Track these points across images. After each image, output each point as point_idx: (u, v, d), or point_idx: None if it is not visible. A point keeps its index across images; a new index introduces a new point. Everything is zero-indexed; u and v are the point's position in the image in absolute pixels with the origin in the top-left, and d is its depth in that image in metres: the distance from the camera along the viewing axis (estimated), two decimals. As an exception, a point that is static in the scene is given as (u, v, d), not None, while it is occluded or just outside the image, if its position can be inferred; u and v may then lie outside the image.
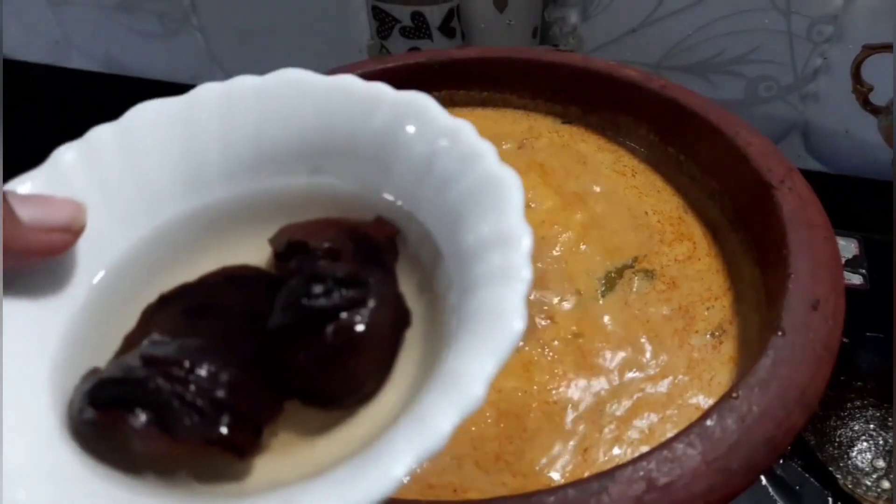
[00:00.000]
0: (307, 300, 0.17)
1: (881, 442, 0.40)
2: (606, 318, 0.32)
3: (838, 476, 0.38)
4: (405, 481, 0.13)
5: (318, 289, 0.17)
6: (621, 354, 0.31)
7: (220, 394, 0.16)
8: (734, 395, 0.24)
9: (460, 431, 0.27)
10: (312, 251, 0.18)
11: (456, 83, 0.46)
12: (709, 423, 0.23)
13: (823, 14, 0.51)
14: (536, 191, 0.39)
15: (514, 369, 0.30)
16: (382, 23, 0.59)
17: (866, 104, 0.52)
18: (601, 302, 0.33)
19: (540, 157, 0.41)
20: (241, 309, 0.18)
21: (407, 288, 0.18)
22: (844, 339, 0.44)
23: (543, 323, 0.32)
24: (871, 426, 0.40)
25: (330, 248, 0.18)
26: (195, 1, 0.67)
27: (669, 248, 0.35)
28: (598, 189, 0.39)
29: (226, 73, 0.71)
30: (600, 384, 0.29)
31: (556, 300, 0.33)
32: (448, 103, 0.47)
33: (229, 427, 0.15)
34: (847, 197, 0.55)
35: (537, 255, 0.34)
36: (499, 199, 0.17)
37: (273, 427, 0.17)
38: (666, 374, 0.30)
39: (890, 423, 0.40)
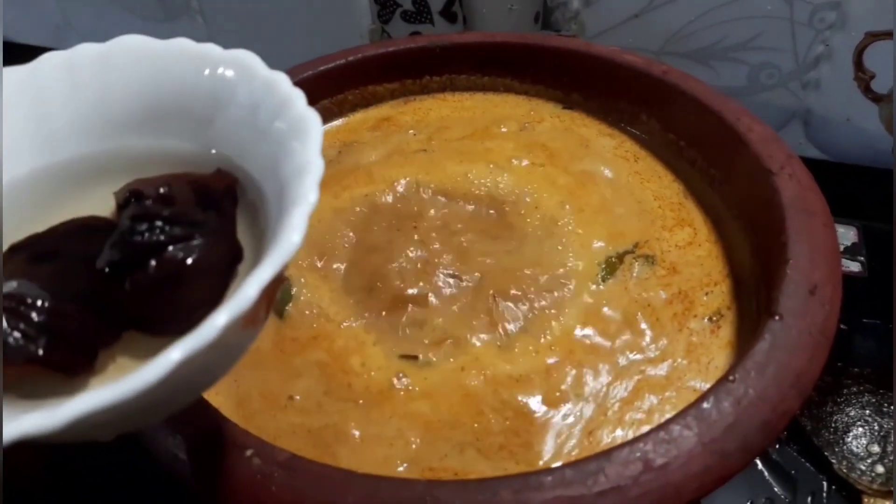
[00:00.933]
0: (131, 237, 0.19)
1: (876, 427, 0.40)
2: (606, 303, 0.32)
3: (833, 461, 0.39)
4: (176, 362, 0.15)
5: (143, 227, 0.19)
6: (622, 338, 0.31)
7: (44, 319, 0.18)
8: (731, 378, 0.24)
9: (464, 425, 0.28)
10: (146, 198, 0.20)
11: (457, 68, 0.46)
12: (705, 405, 0.23)
13: (826, 1, 0.51)
14: (544, 170, 0.39)
15: (527, 362, 0.30)
16: (384, 7, 0.59)
17: (868, 92, 0.51)
18: (602, 287, 0.33)
19: (542, 139, 0.41)
20: (82, 253, 0.20)
21: (243, 228, 0.21)
22: (842, 326, 0.44)
23: (548, 312, 0.32)
24: (867, 412, 0.41)
25: (163, 194, 0.20)
26: (196, -16, 0.66)
27: (671, 234, 0.35)
28: (600, 173, 0.39)
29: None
30: (603, 368, 0.30)
31: (557, 285, 0.33)
32: (449, 87, 0.47)
33: (50, 348, 0.18)
34: (847, 185, 0.55)
35: (541, 237, 0.35)
36: (304, 138, 0.19)
37: (111, 353, 0.19)
38: (665, 358, 0.30)
39: (885, 409, 0.41)
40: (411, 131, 0.43)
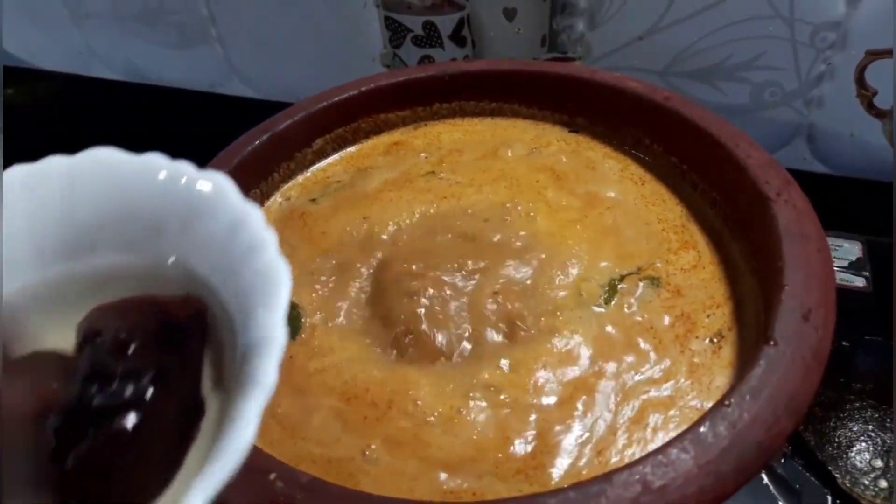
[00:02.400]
0: (78, 402, 0.17)
1: (879, 442, 0.41)
2: (611, 325, 0.33)
3: (837, 475, 0.39)
4: None
5: (92, 389, 0.17)
6: (627, 360, 0.32)
7: None
8: (726, 402, 0.25)
9: (484, 452, 0.29)
10: (101, 343, 0.18)
11: (466, 94, 0.47)
12: (702, 429, 0.25)
13: (826, 21, 0.52)
14: (552, 192, 0.40)
15: (535, 385, 0.31)
16: (395, 32, 0.61)
17: (870, 108, 0.52)
18: (605, 309, 0.34)
19: (550, 161, 0.42)
20: (31, 406, 0.17)
21: (209, 374, 0.19)
22: (844, 343, 0.45)
23: (556, 335, 0.33)
24: (870, 427, 0.41)
25: (119, 340, 0.18)
26: (213, 13, 0.69)
27: (676, 257, 0.36)
28: (607, 195, 0.40)
29: (243, 82, 0.73)
30: (610, 389, 0.31)
31: (563, 308, 0.34)
32: (458, 113, 0.48)
33: None
34: (852, 200, 0.56)
35: (548, 259, 0.36)
36: (271, 298, 0.18)
37: None
38: (668, 378, 0.31)
39: (888, 424, 0.41)
40: (423, 155, 0.45)
